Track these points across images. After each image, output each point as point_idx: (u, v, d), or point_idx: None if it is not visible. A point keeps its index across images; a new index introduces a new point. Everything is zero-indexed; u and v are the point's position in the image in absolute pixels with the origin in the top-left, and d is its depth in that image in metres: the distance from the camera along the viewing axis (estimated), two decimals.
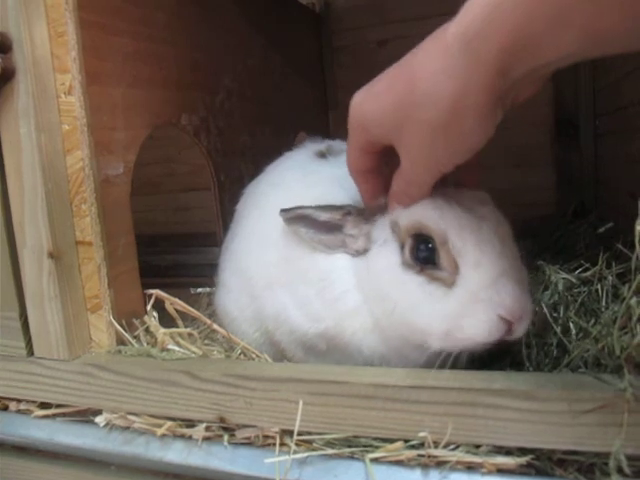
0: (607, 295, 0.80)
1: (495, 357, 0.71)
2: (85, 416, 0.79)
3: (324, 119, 1.95)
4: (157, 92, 0.97)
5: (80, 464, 0.80)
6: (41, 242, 0.77)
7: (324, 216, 0.72)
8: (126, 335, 0.82)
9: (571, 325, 0.74)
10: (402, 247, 0.68)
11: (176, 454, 0.70)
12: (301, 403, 0.64)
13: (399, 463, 0.60)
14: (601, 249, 0.85)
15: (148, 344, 0.82)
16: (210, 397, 0.69)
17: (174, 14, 1.03)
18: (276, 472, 0.63)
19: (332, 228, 0.73)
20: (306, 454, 0.63)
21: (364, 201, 0.73)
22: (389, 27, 1.84)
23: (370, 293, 0.71)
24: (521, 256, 0.69)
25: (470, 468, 0.57)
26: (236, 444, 0.69)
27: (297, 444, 0.64)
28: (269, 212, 0.75)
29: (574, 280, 0.85)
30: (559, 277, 0.86)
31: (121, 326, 0.82)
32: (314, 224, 0.73)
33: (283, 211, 0.73)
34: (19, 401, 0.85)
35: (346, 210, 0.73)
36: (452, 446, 0.59)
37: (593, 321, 0.74)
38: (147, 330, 0.83)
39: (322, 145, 0.94)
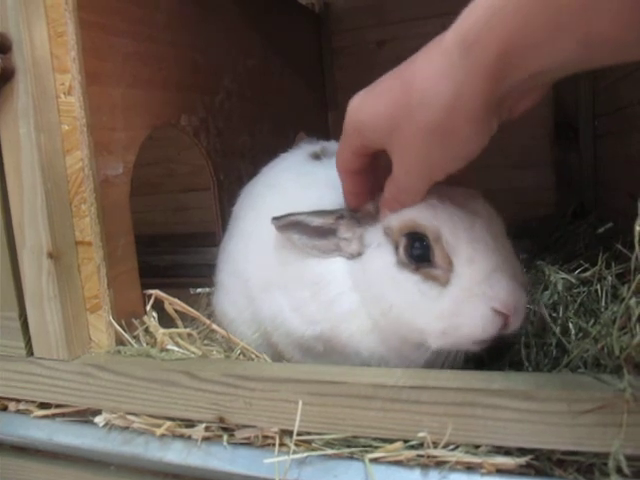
0: (606, 295, 0.80)
1: (494, 357, 0.71)
2: (84, 416, 0.79)
3: (324, 119, 1.95)
4: (157, 93, 0.97)
5: (79, 464, 0.80)
6: (40, 242, 0.77)
7: (317, 221, 0.72)
8: (125, 335, 0.82)
9: (570, 325, 0.74)
10: (396, 247, 0.68)
11: (175, 454, 0.70)
12: (300, 403, 0.64)
13: (398, 463, 0.60)
14: (600, 249, 0.85)
15: (147, 344, 0.82)
16: (209, 397, 0.69)
17: (174, 15, 1.03)
18: (275, 472, 0.63)
19: (325, 233, 0.73)
20: (305, 454, 0.63)
21: (346, 200, 0.73)
22: (388, 28, 1.84)
23: (366, 294, 0.71)
24: (516, 253, 0.69)
25: (469, 468, 0.57)
26: (235, 444, 0.69)
27: (296, 444, 0.64)
28: (265, 214, 0.75)
29: (573, 280, 0.86)
30: (558, 277, 0.86)
31: (120, 326, 0.82)
32: (307, 230, 0.73)
33: (275, 219, 0.72)
34: (18, 401, 0.84)
35: (338, 214, 0.73)
36: (451, 446, 0.59)
37: (592, 321, 0.74)
38: (146, 330, 0.83)
39: (317, 147, 0.94)
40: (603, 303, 0.79)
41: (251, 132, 1.36)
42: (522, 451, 0.56)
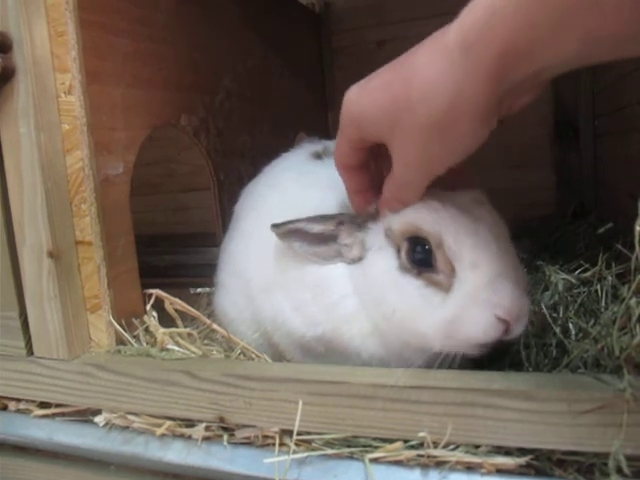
0: (607, 295, 0.80)
1: (494, 357, 0.71)
2: (84, 416, 0.79)
3: (323, 119, 1.95)
4: (157, 92, 0.97)
5: (79, 464, 0.80)
6: (41, 242, 0.77)
7: (317, 228, 0.72)
8: (125, 335, 0.82)
9: (570, 325, 0.74)
10: (398, 251, 0.67)
11: (175, 454, 0.70)
12: (301, 403, 0.64)
13: (398, 463, 0.60)
14: (601, 249, 0.85)
15: (148, 344, 0.82)
16: (210, 397, 0.69)
17: (174, 14, 1.03)
18: (275, 472, 0.63)
19: (326, 239, 0.72)
20: (305, 454, 0.63)
21: (352, 200, 0.72)
22: (388, 28, 1.84)
23: (368, 298, 0.70)
24: (519, 256, 0.69)
25: (469, 468, 0.57)
26: (235, 444, 0.69)
27: (296, 444, 0.64)
28: (266, 214, 0.75)
29: (574, 280, 0.85)
30: (559, 277, 0.86)
31: (121, 326, 0.82)
32: (307, 236, 0.72)
33: (275, 227, 0.72)
34: (18, 401, 0.84)
35: (339, 219, 0.72)
36: (451, 446, 0.59)
37: (593, 321, 0.74)
38: (147, 330, 0.83)
39: (318, 146, 0.94)
40: (603, 303, 0.79)
41: (251, 132, 1.36)
42: (522, 451, 0.56)
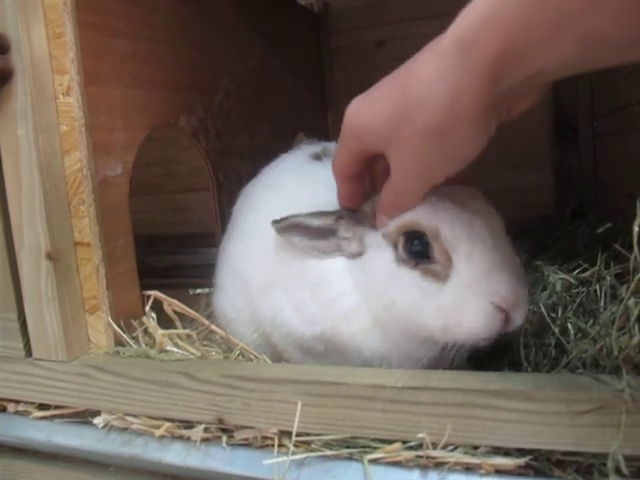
0: (605, 296, 0.80)
1: (493, 357, 0.71)
2: (83, 417, 0.79)
3: (323, 120, 1.95)
4: (155, 93, 0.97)
5: (78, 465, 0.80)
6: (39, 243, 0.77)
7: (317, 222, 0.72)
8: (124, 336, 0.82)
9: (569, 326, 0.74)
10: (395, 247, 0.68)
11: (174, 455, 0.70)
12: (299, 404, 0.64)
13: (397, 464, 0.60)
14: (599, 250, 0.84)
15: (146, 345, 0.81)
16: (208, 398, 0.69)
17: (172, 15, 1.03)
18: (274, 473, 0.63)
19: (326, 233, 0.73)
20: (304, 455, 0.63)
21: (340, 203, 0.73)
22: (388, 28, 1.84)
23: (368, 291, 0.71)
24: (518, 255, 0.69)
25: (468, 469, 0.57)
26: (234, 445, 0.69)
27: (295, 445, 0.64)
28: (265, 214, 0.75)
29: (572, 280, 0.85)
30: (557, 277, 0.86)
31: (119, 327, 0.82)
32: (307, 231, 0.73)
33: (275, 222, 0.72)
34: (17, 402, 0.84)
35: (338, 214, 0.73)
36: (450, 447, 0.59)
37: (591, 322, 0.74)
38: (145, 331, 0.82)
39: (317, 147, 0.94)
40: (602, 303, 0.79)
41: (250, 132, 1.36)
42: (521, 452, 0.56)
